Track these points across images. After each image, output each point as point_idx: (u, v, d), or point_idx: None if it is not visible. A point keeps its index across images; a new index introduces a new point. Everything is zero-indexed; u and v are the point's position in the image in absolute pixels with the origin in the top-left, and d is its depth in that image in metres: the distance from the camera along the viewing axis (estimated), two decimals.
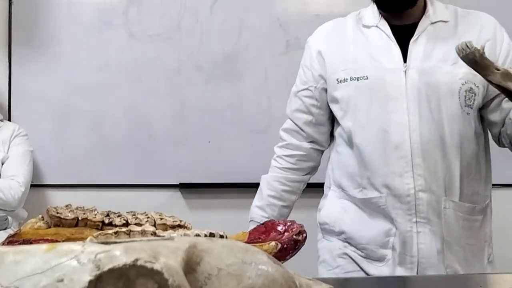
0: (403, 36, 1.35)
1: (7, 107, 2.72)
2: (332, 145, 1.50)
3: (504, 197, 2.96)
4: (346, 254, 1.38)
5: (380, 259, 1.32)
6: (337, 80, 1.38)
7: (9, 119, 2.68)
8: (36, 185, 2.64)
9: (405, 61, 1.32)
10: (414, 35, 1.34)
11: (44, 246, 0.34)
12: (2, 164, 2.42)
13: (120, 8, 2.76)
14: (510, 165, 3.07)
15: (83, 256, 0.33)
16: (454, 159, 1.32)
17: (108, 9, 2.76)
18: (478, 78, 1.21)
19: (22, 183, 2.38)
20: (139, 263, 0.32)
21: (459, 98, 1.31)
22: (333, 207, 1.43)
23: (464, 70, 1.28)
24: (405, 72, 1.31)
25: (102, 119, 2.74)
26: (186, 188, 2.77)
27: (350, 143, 1.39)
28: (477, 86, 1.32)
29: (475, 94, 1.32)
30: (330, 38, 1.43)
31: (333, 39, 1.43)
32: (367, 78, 1.33)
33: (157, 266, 0.32)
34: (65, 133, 2.74)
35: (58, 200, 2.73)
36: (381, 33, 1.37)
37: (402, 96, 1.30)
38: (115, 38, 2.75)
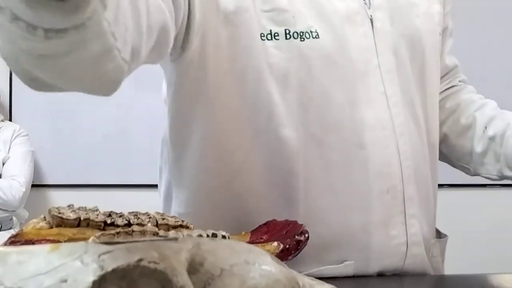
0: None
1: (8, 108, 2.72)
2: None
3: (504, 197, 2.96)
4: None
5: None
6: (260, 35, 0.71)
7: (10, 119, 2.69)
8: (37, 185, 2.64)
9: None
10: None
11: (47, 247, 0.34)
12: (3, 164, 2.42)
13: None
14: None
15: (87, 257, 0.33)
16: (434, 173, 0.84)
17: None
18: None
19: (23, 183, 2.38)
20: (142, 263, 0.32)
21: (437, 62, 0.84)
22: None
23: (438, 7, 0.84)
24: (371, 18, 0.75)
25: (102, 119, 2.74)
26: None
27: None
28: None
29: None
30: None
31: None
32: (317, 36, 0.72)
33: (160, 267, 0.32)
34: (66, 133, 2.74)
35: (59, 200, 2.73)
36: None
37: (375, 70, 0.75)
38: None
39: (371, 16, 0.76)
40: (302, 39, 0.71)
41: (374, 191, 0.74)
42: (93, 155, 2.73)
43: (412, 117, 0.78)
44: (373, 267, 0.77)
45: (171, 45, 0.69)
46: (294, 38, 0.71)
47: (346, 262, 0.75)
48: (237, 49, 0.73)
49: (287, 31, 0.71)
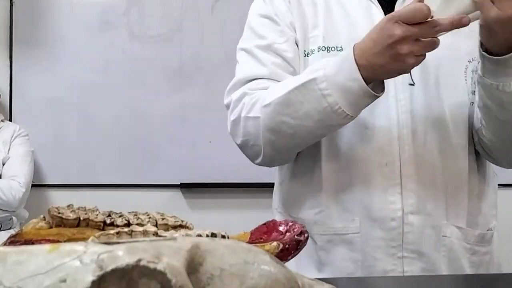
0: None
1: (8, 108, 2.72)
2: None
3: (504, 197, 2.95)
4: None
5: None
6: (304, 52, 1.01)
7: (10, 120, 2.69)
8: (37, 185, 2.64)
9: None
10: None
11: (46, 246, 0.34)
12: (3, 164, 2.42)
13: (121, 8, 2.76)
14: None
15: (86, 257, 0.33)
16: (462, 165, 0.98)
17: (109, 10, 2.76)
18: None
19: (23, 183, 2.38)
20: (142, 263, 0.32)
21: (465, 80, 0.99)
22: None
23: (471, 43, 0.96)
24: None
25: (103, 119, 2.75)
26: (187, 188, 2.77)
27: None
28: None
29: None
30: None
31: None
32: (341, 50, 0.97)
33: (160, 267, 0.32)
34: (66, 133, 2.74)
35: (59, 200, 2.74)
36: None
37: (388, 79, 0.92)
38: (116, 38, 2.75)
39: None
40: (329, 51, 0.99)
41: (375, 163, 0.96)
42: (93, 155, 2.73)
43: (420, 113, 0.96)
44: (376, 229, 0.95)
45: None
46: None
47: (353, 218, 0.97)
48: None
49: (320, 47, 1.00)
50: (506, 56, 0.84)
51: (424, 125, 0.97)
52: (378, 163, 0.96)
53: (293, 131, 0.91)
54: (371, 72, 0.83)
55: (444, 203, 0.97)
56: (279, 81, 0.96)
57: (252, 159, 1.01)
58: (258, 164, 1.01)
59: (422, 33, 0.79)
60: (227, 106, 1.02)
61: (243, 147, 0.99)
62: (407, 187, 0.95)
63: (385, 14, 0.94)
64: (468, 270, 0.99)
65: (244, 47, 1.04)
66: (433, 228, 0.96)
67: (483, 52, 0.87)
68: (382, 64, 0.82)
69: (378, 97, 0.86)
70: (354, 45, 0.85)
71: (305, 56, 1.00)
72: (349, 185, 0.97)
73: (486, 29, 0.83)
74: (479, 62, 0.90)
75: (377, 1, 1.00)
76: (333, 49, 0.98)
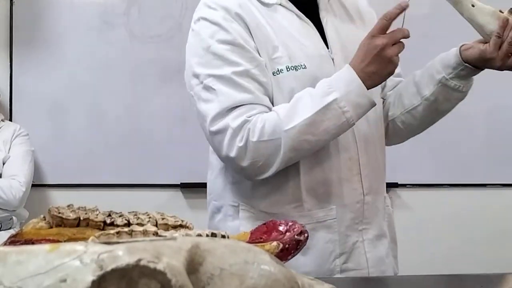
0: (307, 11, 1.19)
1: (8, 107, 2.72)
2: None
3: (504, 197, 2.96)
4: None
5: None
6: (272, 73, 1.13)
7: (10, 119, 2.69)
8: (37, 185, 2.64)
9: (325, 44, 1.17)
10: (321, 13, 1.19)
11: (46, 246, 0.34)
12: (3, 164, 2.42)
13: (121, 8, 2.76)
14: (510, 165, 3.07)
15: (86, 256, 0.33)
16: (383, 149, 1.25)
17: (109, 10, 2.76)
18: None
19: (23, 183, 2.38)
20: (142, 263, 0.32)
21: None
22: None
23: None
24: (333, 59, 1.16)
25: (103, 119, 2.75)
26: (187, 188, 2.77)
27: None
28: None
29: None
30: (242, 18, 1.14)
31: (245, 19, 1.14)
32: (305, 67, 1.13)
33: (160, 266, 0.32)
34: (66, 133, 2.74)
35: (59, 200, 2.74)
36: (287, 12, 1.17)
37: None
38: (116, 39, 2.75)
39: (332, 58, 1.16)
40: (296, 70, 1.13)
41: (342, 159, 1.16)
42: (93, 155, 2.73)
43: (367, 121, 1.18)
44: (347, 213, 1.15)
45: None
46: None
47: (331, 207, 1.15)
48: None
49: (288, 67, 1.13)
50: (482, 69, 1.15)
51: (368, 125, 1.19)
52: (343, 158, 1.15)
53: (311, 147, 1.08)
54: (369, 81, 1.06)
55: (383, 181, 1.25)
56: (264, 105, 1.10)
57: (255, 176, 1.10)
58: (257, 179, 1.11)
59: (395, 35, 1.05)
60: (218, 132, 1.10)
61: (248, 168, 1.08)
62: (363, 174, 1.17)
63: (315, 26, 1.17)
64: (393, 228, 1.27)
65: (219, 74, 1.10)
66: (380, 202, 1.22)
67: (466, 64, 1.14)
68: (375, 71, 1.06)
69: (375, 105, 1.10)
70: (349, 64, 1.07)
71: (274, 75, 1.13)
72: (324, 180, 1.15)
73: (486, 60, 1.12)
74: (444, 67, 1.18)
75: (306, 18, 1.18)
76: (299, 67, 1.13)
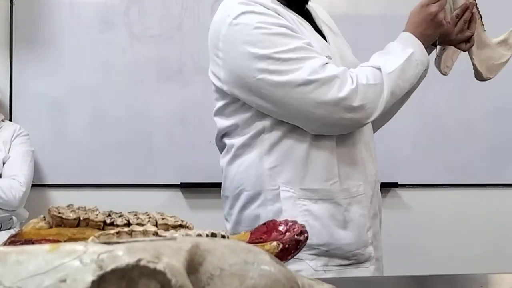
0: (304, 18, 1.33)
1: (8, 107, 2.72)
2: (265, 138, 1.26)
3: (504, 197, 2.96)
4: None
5: (367, 259, 1.26)
6: None
7: (10, 119, 2.69)
8: (37, 185, 2.64)
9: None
10: (316, 21, 1.36)
11: (46, 246, 0.34)
12: (3, 164, 2.42)
13: (121, 8, 2.76)
14: (510, 165, 3.07)
15: (86, 256, 0.33)
16: (373, 143, 1.39)
17: (109, 9, 2.76)
18: None
19: (23, 183, 2.38)
20: (141, 263, 0.32)
21: None
22: (296, 213, 1.21)
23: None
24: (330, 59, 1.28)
25: (103, 119, 2.75)
26: (187, 188, 2.77)
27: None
28: None
29: None
30: (277, 11, 1.25)
31: (280, 13, 1.25)
32: (331, 58, 1.26)
33: (159, 266, 0.32)
34: (66, 133, 2.74)
35: (59, 200, 2.74)
36: (294, 15, 1.29)
37: None
38: (116, 39, 2.75)
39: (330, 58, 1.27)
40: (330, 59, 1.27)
41: (361, 141, 1.31)
42: (93, 155, 2.73)
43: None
44: (368, 190, 1.30)
45: None
46: None
47: (359, 183, 1.28)
48: None
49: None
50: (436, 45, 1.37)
51: None
52: (362, 141, 1.30)
53: (400, 92, 1.23)
54: (426, 43, 1.26)
55: (377, 165, 1.37)
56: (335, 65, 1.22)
57: (363, 120, 1.21)
58: (363, 124, 1.24)
59: (442, 2, 1.24)
60: (326, 80, 1.16)
61: (359, 109, 1.18)
62: (373, 156, 1.34)
63: (311, 25, 1.30)
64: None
65: (294, 47, 1.17)
66: (378, 183, 1.36)
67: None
68: (431, 34, 1.26)
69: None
70: (405, 31, 1.27)
71: None
72: (352, 159, 1.28)
73: (444, 35, 1.30)
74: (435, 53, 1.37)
75: (303, 19, 1.30)
76: (328, 57, 1.24)
